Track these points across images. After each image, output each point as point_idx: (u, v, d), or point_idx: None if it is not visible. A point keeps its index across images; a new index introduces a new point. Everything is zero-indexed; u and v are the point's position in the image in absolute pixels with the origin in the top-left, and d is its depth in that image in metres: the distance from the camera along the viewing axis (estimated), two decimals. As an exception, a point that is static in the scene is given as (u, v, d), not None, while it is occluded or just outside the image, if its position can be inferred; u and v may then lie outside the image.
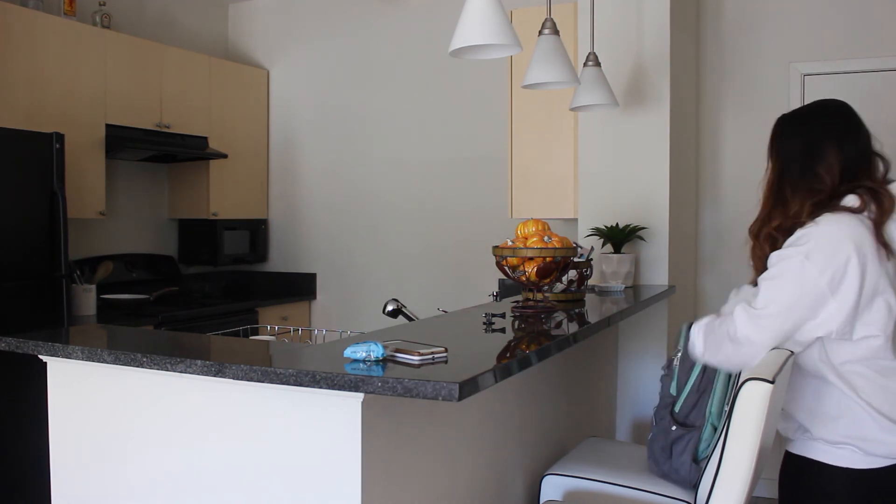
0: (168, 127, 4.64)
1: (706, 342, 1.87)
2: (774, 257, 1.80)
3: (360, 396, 1.52)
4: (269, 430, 1.64)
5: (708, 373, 2.10)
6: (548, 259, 2.46)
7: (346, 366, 1.54)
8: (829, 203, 1.79)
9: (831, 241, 1.73)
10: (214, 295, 5.22)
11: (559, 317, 2.46)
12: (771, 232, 1.85)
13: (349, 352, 1.59)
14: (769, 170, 1.93)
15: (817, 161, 1.83)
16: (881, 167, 1.86)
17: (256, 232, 5.37)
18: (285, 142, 5.43)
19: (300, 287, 5.36)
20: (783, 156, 1.90)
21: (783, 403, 1.86)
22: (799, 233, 1.78)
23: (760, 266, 1.88)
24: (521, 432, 2.37)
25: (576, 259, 2.81)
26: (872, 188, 1.79)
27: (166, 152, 4.62)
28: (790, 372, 1.79)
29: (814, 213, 1.79)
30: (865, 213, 1.76)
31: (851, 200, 1.78)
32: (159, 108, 4.61)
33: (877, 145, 1.87)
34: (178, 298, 4.79)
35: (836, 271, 1.71)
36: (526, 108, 3.95)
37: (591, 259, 3.03)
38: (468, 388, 1.44)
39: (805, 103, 3.83)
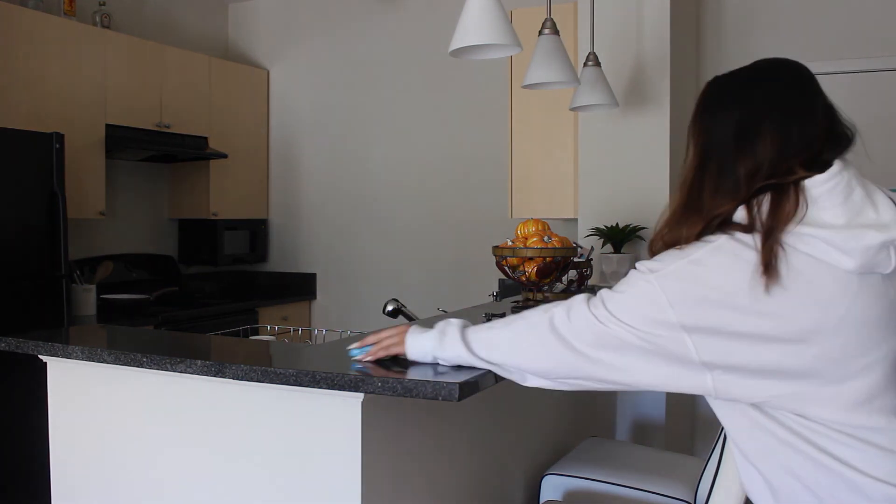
0: (168, 127, 4.63)
1: None
2: None
3: (360, 396, 1.52)
4: (269, 430, 1.64)
5: None
6: (548, 259, 2.47)
7: (353, 365, 1.55)
8: (724, 216, 1.30)
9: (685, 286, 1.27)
10: (214, 295, 5.22)
11: (559, 317, 2.46)
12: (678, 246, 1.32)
13: (355, 352, 1.61)
14: (688, 157, 1.39)
15: (745, 153, 1.30)
16: (829, 153, 1.30)
17: (256, 232, 5.37)
18: (285, 142, 5.43)
19: (300, 287, 5.36)
20: (706, 144, 1.36)
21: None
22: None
23: None
24: (521, 432, 2.37)
25: (576, 259, 2.81)
26: (777, 187, 1.27)
27: (166, 152, 4.62)
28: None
29: (704, 231, 1.30)
30: (757, 230, 1.26)
31: (740, 215, 1.29)
32: (159, 108, 4.60)
33: (842, 121, 1.34)
34: (178, 298, 4.79)
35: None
36: (526, 108, 3.95)
37: (591, 259, 3.03)
38: (468, 388, 1.44)
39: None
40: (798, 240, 1.24)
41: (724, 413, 1.38)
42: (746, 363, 1.25)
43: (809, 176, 1.26)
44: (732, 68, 1.43)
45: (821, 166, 1.28)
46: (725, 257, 1.26)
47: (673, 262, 1.29)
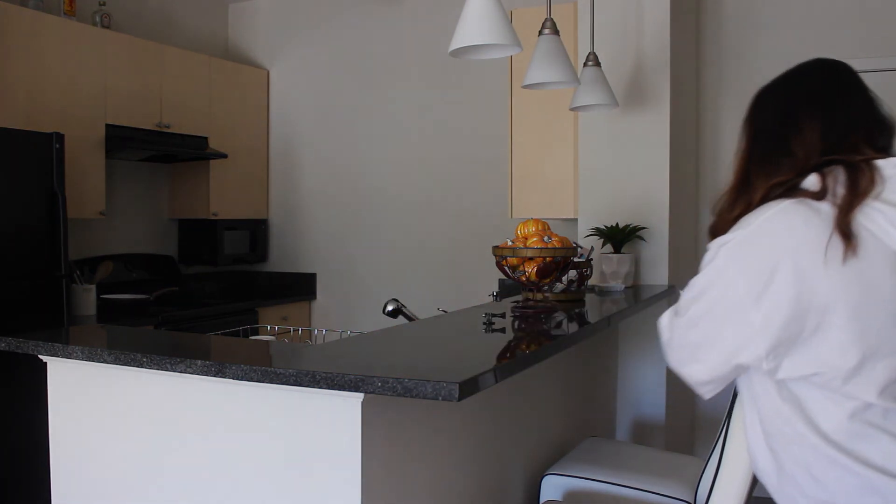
0: (168, 127, 4.64)
1: None
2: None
3: (360, 396, 1.52)
4: (269, 430, 1.64)
5: None
6: (548, 259, 2.47)
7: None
8: (787, 184, 1.39)
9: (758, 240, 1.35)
10: (214, 295, 5.22)
11: (559, 317, 2.46)
12: (731, 224, 1.43)
13: None
14: (740, 150, 1.54)
15: (791, 132, 1.43)
16: (880, 138, 1.42)
17: (256, 232, 5.37)
18: (285, 142, 5.43)
19: (300, 287, 5.36)
20: (755, 130, 1.52)
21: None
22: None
23: None
24: (521, 432, 2.37)
25: (576, 259, 2.81)
26: (849, 163, 1.35)
27: (166, 152, 4.62)
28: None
29: (764, 199, 1.40)
30: (828, 199, 1.33)
31: (811, 182, 1.36)
32: (159, 108, 4.61)
33: (884, 110, 1.45)
34: (178, 298, 4.79)
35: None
36: (526, 108, 3.95)
37: (591, 259, 3.03)
38: (468, 388, 1.44)
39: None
40: (862, 213, 1.30)
41: (755, 389, 1.40)
42: (800, 331, 1.29)
43: (879, 157, 1.35)
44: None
45: (882, 150, 1.38)
46: (791, 219, 1.32)
47: (741, 230, 1.36)
